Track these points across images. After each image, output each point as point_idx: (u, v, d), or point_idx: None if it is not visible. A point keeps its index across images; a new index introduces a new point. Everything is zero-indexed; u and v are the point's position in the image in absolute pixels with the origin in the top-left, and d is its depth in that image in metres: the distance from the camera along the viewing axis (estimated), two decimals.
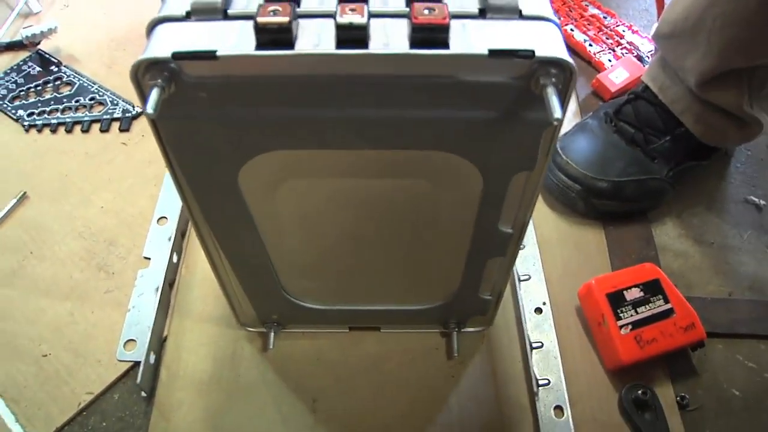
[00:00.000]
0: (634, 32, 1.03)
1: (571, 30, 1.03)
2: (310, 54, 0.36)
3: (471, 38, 0.37)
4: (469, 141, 0.42)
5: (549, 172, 0.80)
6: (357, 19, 0.36)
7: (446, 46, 0.36)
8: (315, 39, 0.36)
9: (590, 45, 1.01)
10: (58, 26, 1.00)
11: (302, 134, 0.42)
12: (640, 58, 0.99)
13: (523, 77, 0.37)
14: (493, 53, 0.36)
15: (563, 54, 0.36)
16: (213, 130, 0.41)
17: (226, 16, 0.38)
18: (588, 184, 0.77)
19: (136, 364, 0.66)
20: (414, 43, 0.36)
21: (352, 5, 0.36)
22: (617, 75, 0.94)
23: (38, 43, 1.00)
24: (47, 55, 0.99)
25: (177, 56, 0.36)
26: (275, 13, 0.36)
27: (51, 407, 0.65)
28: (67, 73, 0.97)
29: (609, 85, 0.94)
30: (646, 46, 1.01)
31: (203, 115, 0.40)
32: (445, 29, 0.36)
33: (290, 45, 0.36)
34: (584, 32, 1.03)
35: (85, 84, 0.95)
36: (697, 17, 0.70)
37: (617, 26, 1.04)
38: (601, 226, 0.81)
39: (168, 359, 0.68)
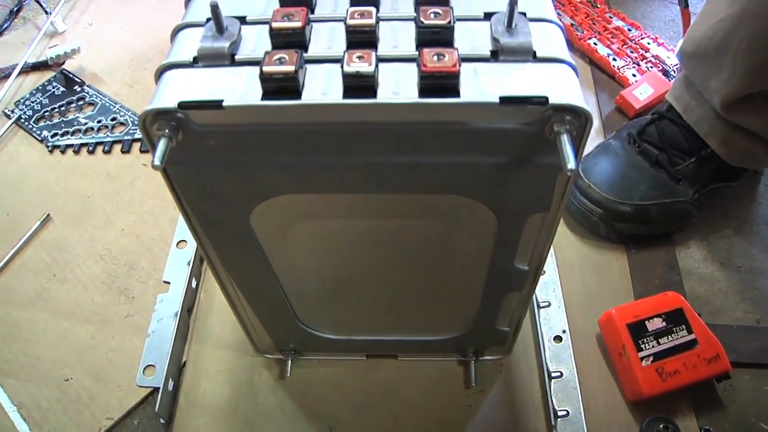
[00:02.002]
0: (659, 45, 1.01)
1: (595, 44, 1.01)
2: (317, 104, 0.35)
3: (482, 84, 0.36)
4: (482, 185, 0.41)
5: (570, 195, 0.78)
6: (364, 68, 0.35)
7: (456, 93, 0.35)
8: (322, 87, 0.36)
9: (614, 59, 0.99)
10: (81, 46, 1.01)
11: (312, 179, 0.41)
12: (665, 73, 0.96)
13: (537, 122, 0.36)
14: (505, 101, 0.35)
15: (578, 101, 0.35)
16: (222, 176, 0.41)
17: (233, 62, 0.38)
18: (610, 208, 0.76)
19: (156, 389, 0.67)
20: (423, 91, 0.35)
21: (360, 52, 0.36)
22: (642, 91, 0.92)
23: (63, 63, 1.01)
24: (71, 75, 0.99)
25: (183, 106, 0.35)
26: (281, 61, 0.35)
27: None
28: (90, 93, 0.98)
29: (633, 101, 0.92)
30: (672, 60, 0.98)
31: (212, 162, 0.39)
32: (455, 77, 0.35)
33: (297, 94, 0.35)
34: (608, 46, 1.01)
35: (107, 104, 0.96)
36: (722, 38, 0.68)
37: (642, 39, 1.02)
38: (623, 249, 0.79)
39: (186, 386, 0.68)
